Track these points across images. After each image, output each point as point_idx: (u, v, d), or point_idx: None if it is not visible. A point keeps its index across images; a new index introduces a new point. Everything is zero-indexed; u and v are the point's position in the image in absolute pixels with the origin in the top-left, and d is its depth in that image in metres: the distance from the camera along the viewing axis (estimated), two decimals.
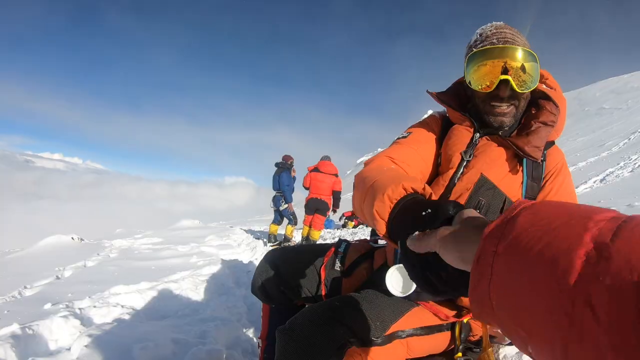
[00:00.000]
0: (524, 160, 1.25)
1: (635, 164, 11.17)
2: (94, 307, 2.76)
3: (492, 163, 1.26)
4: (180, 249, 5.84)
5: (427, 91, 1.42)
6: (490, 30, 1.24)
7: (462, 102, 1.37)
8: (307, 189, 8.02)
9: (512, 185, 1.25)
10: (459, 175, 1.27)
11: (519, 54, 1.17)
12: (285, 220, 8.72)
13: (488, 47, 1.19)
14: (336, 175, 8.03)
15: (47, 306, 2.84)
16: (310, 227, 7.99)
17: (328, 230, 11.14)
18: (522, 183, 1.25)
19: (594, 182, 10.14)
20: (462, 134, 1.32)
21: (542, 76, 1.31)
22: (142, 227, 11.17)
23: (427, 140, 1.38)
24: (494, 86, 1.18)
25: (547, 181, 1.27)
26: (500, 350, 1.31)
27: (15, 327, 2.13)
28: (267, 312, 1.65)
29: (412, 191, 0.81)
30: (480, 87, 1.22)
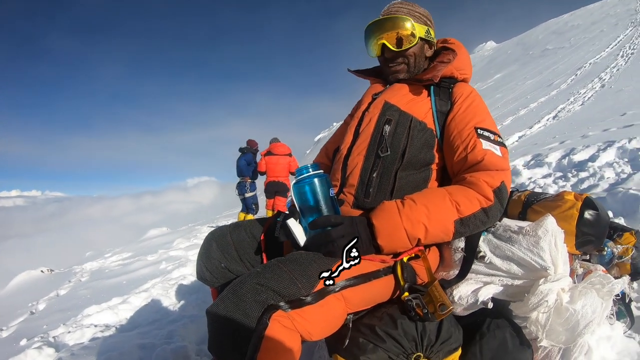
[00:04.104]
0: (431, 87, 1.46)
1: (584, 97, 11.45)
2: (68, 332, 2.88)
3: (396, 93, 1.48)
4: (150, 258, 5.93)
5: (348, 69, 1.71)
6: (382, 10, 1.52)
7: (380, 75, 1.65)
8: (263, 174, 7.91)
9: (418, 108, 1.42)
10: (369, 108, 1.49)
11: (393, 21, 1.45)
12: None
13: (370, 23, 1.50)
14: (290, 155, 7.93)
15: (23, 342, 2.93)
16: (273, 211, 7.92)
17: None
18: (431, 105, 1.44)
19: (547, 120, 10.31)
20: (376, 86, 1.61)
21: (446, 40, 1.61)
22: (112, 245, 11.02)
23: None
24: (379, 50, 1.49)
25: (456, 103, 1.41)
26: (455, 291, 1.27)
27: None
28: (216, 295, 1.56)
29: None
30: (373, 54, 1.53)
